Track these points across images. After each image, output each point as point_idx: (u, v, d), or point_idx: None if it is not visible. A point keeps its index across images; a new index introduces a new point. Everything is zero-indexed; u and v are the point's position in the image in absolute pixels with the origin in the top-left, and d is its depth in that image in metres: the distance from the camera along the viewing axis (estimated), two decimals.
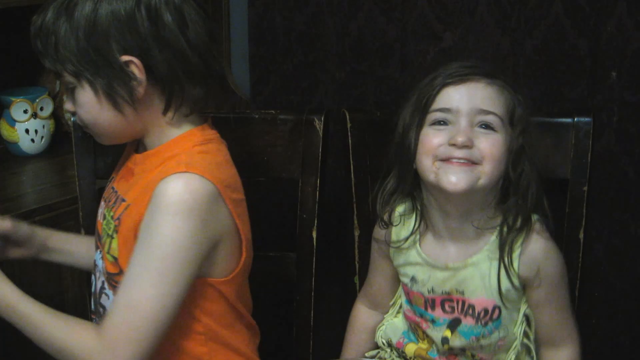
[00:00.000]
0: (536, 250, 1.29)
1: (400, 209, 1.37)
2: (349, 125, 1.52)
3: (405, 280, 1.37)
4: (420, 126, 1.29)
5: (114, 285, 1.26)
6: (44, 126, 1.91)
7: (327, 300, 1.56)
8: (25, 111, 1.88)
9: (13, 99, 1.86)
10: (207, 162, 1.21)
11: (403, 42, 1.72)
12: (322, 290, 1.54)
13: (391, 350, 1.44)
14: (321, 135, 1.49)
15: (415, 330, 1.39)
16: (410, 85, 1.72)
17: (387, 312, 1.45)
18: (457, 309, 1.32)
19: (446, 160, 1.25)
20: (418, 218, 1.34)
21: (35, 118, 1.88)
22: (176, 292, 1.17)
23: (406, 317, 1.40)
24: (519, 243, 1.29)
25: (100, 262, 1.30)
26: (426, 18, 1.67)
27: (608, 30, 1.51)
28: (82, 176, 1.50)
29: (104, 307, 1.30)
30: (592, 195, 1.51)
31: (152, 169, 1.23)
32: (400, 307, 1.43)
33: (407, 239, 1.35)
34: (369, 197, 1.52)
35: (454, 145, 1.24)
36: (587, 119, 1.46)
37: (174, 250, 1.16)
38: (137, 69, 1.18)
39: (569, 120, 1.46)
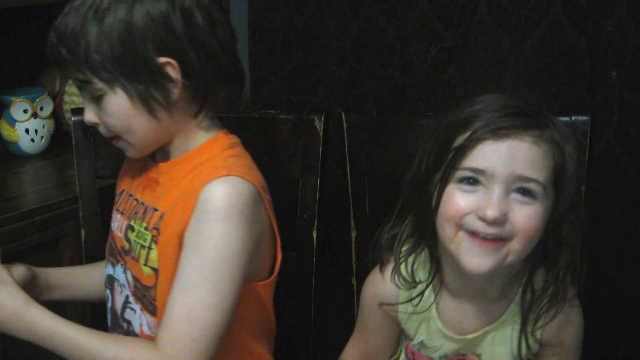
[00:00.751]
0: (564, 319, 1.17)
1: (410, 257, 1.20)
2: (345, 126, 1.52)
3: (412, 342, 1.22)
4: (445, 180, 1.08)
5: (142, 299, 1.24)
6: (44, 126, 1.91)
7: (327, 300, 1.56)
8: (25, 111, 1.88)
9: (13, 99, 1.86)
10: (241, 164, 1.21)
11: (403, 42, 1.72)
12: (322, 290, 1.54)
13: None
14: (321, 135, 1.49)
15: None
16: (410, 85, 1.73)
17: None
18: None
19: (472, 233, 1.06)
20: (432, 272, 1.16)
21: (35, 118, 1.88)
22: (232, 297, 1.16)
23: None
24: (544, 306, 1.14)
25: (121, 276, 1.28)
26: (426, 18, 1.67)
27: (608, 30, 1.51)
28: (82, 176, 1.50)
29: (128, 322, 1.28)
30: (592, 195, 1.51)
31: (183, 175, 1.22)
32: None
33: (419, 295, 1.16)
34: (365, 199, 1.52)
35: (482, 218, 1.05)
36: (584, 118, 1.46)
37: (228, 255, 1.15)
38: (173, 71, 1.16)
39: (566, 119, 1.46)
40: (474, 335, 1.17)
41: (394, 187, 1.38)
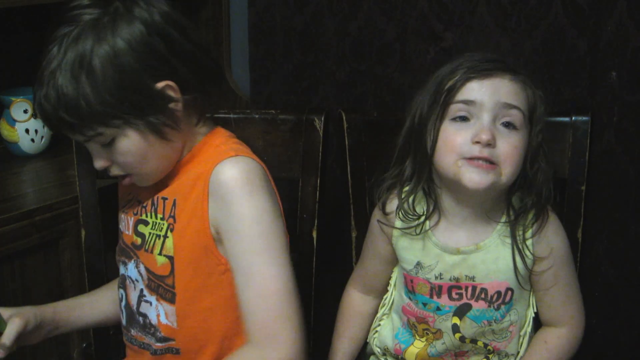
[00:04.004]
0: (549, 229, 1.31)
1: (411, 197, 1.37)
2: (345, 126, 1.52)
3: (408, 267, 1.36)
4: (440, 119, 1.26)
5: (157, 289, 1.27)
6: (44, 126, 1.91)
7: (327, 300, 1.56)
8: (25, 111, 1.88)
9: (13, 99, 1.86)
10: (246, 149, 1.26)
11: (403, 42, 1.72)
12: (322, 290, 1.54)
13: (386, 357, 1.44)
14: (321, 135, 1.49)
15: (413, 327, 1.39)
16: (410, 85, 1.72)
17: (380, 302, 1.46)
18: (466, 295, 1.32)
19: (469, 159, 1.24)
20: (431, 205, 1.33)
21: (35, 118, 1.88)
22: (288, 261, 1.20)
23: (405, 312, 1.40)
24: (530, 222, 1.30)
25: (134, 272, 1.30)
26: (426, 18, 1.67)
27: (608, 30, 1.51)
28: (82, 176, 1.50)
29: (144, 316, 1.30)
30: (592, 195, 1.51)
31: (188, 171, 1.25)
32: (392, 305, 1.43)
33: (420, 224, 1.34)
34: (365, 198, 1.52)
35: (477, 143, 1.23)
36: (585, 118, 1.46)
37: (266, 226, 1.19)
38: (173, 91, 1.19)
39: (566, 119, 1.46)
40: (467, 248, 1.31)
41: None
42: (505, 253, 1.31)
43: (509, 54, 1.60)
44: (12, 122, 1.88)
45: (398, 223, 1.36)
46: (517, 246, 1.30)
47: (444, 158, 1.26)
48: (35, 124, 1.89)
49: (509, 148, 1.24)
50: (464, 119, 1.25)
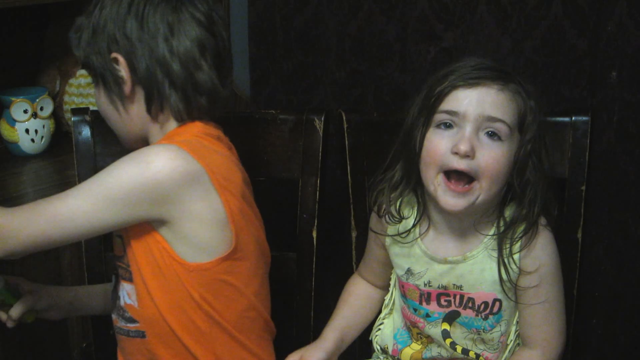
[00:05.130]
0: (537, 245, 1.29)
1: (398, 200, 1.37)
2: (345, 126, 1.52)
3: (400, 272, 1.37)
4: (426, 125, 1.27)
5: (119, 270, 1.31)
6: (44, 126, 1.91)
7: (327, 300, 1.56)
8: (25, 111, 1.88)
9: (13, 99, 1.86)
10: (193, 145, 1.23)
11: (403, 42, 1.72)
12: (322, 290, 1.54)
13: (386, 357, 1.44)
14: (321, 135, 1.50)
15: (410, 330, 1.39)
16: (410, 85, 1.72)
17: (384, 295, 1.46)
18: (455, 302, 1.32)
19: (447, 173, 1.24)
20: (420, 212, 1.34)
21: (35, 118, 1.88)
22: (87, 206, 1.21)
23: (403, 314, 1.40)
24: (517, 236, 1.28)
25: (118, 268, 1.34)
26: (426, 18, 1.67)
27: (608, 30, 1.51)
28: (82, 176, 1.50)
29: (118, 298, 1.33)
30: (592, 195, 1.51)
31: None
32: (393, 305, 1.44)
33: (409, 231, 1.34)
34: (366, 199, 1.52)
35: (456, 153, 1.22)
36: (584, 118, 1.46)
37: (114, 180, 1.20)
38: (122, 66, 1.26)
39: (566, 119, 1.46)
40: (454, 257, 1.31)
41: None
42: (492, 265, 1.30)
43: (509, 54, 1.60)
44: (12, 122, 1.88)
45: (390, 230, 1.37)
46: (502, 260, 1.28)
47: (425, 170, 1.27)
48: (35, 124, 1.89)
49: (489, 159, 1.22)
50: (448, 125, 1.25)
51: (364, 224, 1.51)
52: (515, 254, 1.28)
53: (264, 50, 1.88)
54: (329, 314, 1.50)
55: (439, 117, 1.25)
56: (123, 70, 1.26)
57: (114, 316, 1.35)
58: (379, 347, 1.45)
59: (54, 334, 1.67)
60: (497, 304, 1.31)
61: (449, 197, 1.24)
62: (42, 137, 1.91)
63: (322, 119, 1.50)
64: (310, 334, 1.53)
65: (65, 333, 1.69)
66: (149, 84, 1.26)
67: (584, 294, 1.54)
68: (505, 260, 1.28)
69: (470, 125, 1.23)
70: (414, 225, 1.34)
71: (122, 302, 1.31)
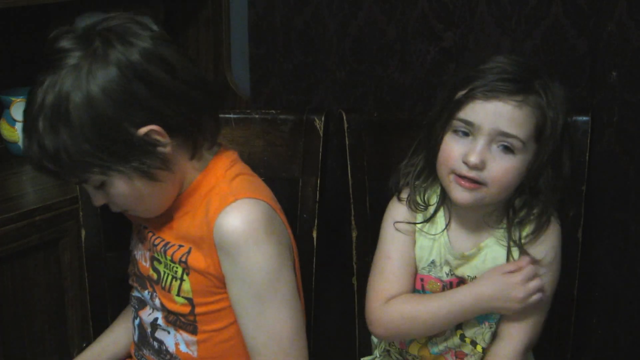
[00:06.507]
0: (545, 236, 1.31)
1: (422, 187, 1.38)
2: (345, 126, 1.52)
3: (422, 265, 1.36)
4: (445, 127, 1.29)
5: (176, 322, 1.27)
6: None
7: (327, 300, 1.56)
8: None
9: (13, 99, 1.86)
10: (247, 184, 1.23)
11: (403, 42, 1.72)
12: (322, 290, 1.54)
13: (390, 353, 1.44)
14: (321, 135, 1.50)
15: None
16: (410, 85, 1.73)
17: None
18: None
19: (459, 176, 1.26)
20: (440, 202, 1.36)
21: None
22: (296, 302, 1.23)
23: None
24: (529, 229, 1.30)
25: (149, 301, 1.30)
26: (426, 18, 1.67)
27: (608, 30, 1.51)
28: None
29: (160, 342, 1.30)
30: (592, 195, 1.51)
31: (195, 207, 1.23)
32: None
33: (430, 220, 1.35)
34: (366, 199, 1.52)
35: (466, 163, 1.24)
36: (585, 118, 1.46)
37: (274, 272, 1.19)
38: (159, 135, 1.14)
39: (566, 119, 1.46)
40: (470, 252, 1.33)
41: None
42: (504, 253, 1.32)
43: (509, 54, 1.61)
44: (12, 122, 1.88)
45: (419, 217, 1.37)
46: (509, 248, 1.31)
47: (439, 168, 1.30)
48: None
49: (499, 171, 1.24)
50: (465, 133, 1.27)
51: (364, 224, 1.51)
52: (523, 242, 1.30)
53: (264, 50, 1.88)
54: (329, 314, 1.50)
55: (456, 123, 1.27)
56: (160, 138, 1.14)
57: (148, 353, 1.33)
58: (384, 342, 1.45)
59: (54, 334, 1.67)
60: None
61: (458, 192, 1.27)
62: None
63: (322, 119, 1.50)
64: (310, 334, 1.52)
65: (65, 333, 1.69)
66: (189, 129, 1.18)
67: (584, 294, 1.54)
68: (512, 248, 1.30)
69: (484, 138, 1.24)
70: (434, 214, 1.35)
71: (170, 349, 1.29)
